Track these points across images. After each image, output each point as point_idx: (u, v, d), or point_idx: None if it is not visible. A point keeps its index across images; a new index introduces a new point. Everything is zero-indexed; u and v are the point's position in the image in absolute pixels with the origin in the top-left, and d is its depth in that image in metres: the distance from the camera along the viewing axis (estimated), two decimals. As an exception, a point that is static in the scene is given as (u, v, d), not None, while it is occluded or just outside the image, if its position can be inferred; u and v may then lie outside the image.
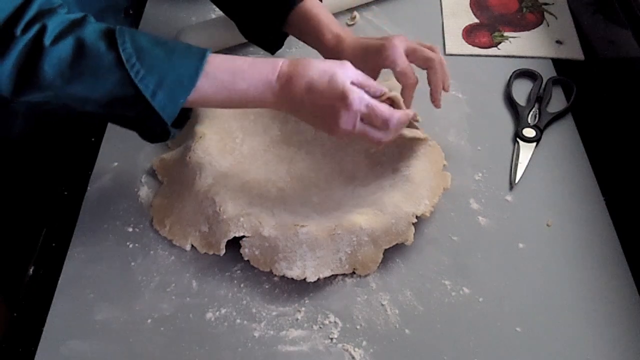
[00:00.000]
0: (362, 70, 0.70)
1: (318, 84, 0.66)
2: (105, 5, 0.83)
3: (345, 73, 0.67)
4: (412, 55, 0.76)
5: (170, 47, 0.66)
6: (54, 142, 0.86)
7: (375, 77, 0.75)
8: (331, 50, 0.79)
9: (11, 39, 0.59)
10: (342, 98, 0.66)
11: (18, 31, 0.60)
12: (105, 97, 0.64)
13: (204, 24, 0.99)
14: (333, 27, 0.80)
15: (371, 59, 0.76)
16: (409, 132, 0.77)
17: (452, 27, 1.02)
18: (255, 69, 0.68)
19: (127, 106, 0.65)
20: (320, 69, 0.67)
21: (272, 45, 0.88)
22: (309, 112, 0.68)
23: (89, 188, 0.80)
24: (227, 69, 0.67)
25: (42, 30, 0.60)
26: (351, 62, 0.69)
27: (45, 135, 0.85)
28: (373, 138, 0.69)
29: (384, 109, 0.68)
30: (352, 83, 0.67)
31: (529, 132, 0.84)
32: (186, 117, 0.70)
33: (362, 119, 0.68)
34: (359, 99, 0.66)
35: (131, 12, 0.91)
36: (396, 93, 0.71)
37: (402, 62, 0.75)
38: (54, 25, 0.61)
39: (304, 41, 0.84)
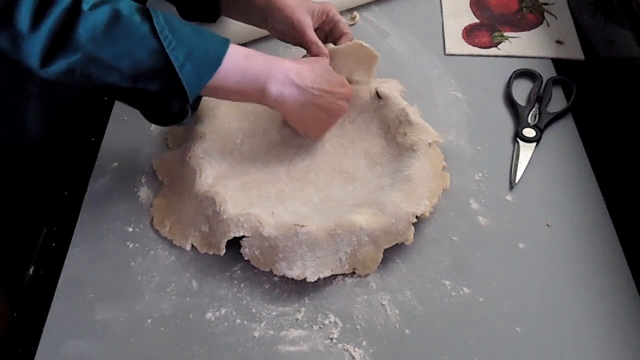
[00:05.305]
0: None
1: (323, 74, 0.77)
2: None
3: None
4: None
5: (198, 28, 0.70)
6: (54, 142, 0.86)
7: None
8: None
9: (50, 4, 0.60)
10: (342, 84, 0.79)
11: None
12: (132, 68, 0.65)
13: (204, 24, 0.99)
14: None
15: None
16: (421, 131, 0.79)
17: (452, 27, 1.02)
18: (268, 57, 0.74)
19: (153, 78, 0.67)
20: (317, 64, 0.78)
21: (212, 14, 0.91)
22: (309, 101, 0.75)
23: (89, 188, 0.80)
24: (245, 54, 0.72)
25: None
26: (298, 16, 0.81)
27: (46, 136, 0.85)
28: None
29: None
30: None
31: (529, 132, 0.84)
32: (199, 101, 0.74)
33: None
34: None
35: None
36: None
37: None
38: None
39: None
